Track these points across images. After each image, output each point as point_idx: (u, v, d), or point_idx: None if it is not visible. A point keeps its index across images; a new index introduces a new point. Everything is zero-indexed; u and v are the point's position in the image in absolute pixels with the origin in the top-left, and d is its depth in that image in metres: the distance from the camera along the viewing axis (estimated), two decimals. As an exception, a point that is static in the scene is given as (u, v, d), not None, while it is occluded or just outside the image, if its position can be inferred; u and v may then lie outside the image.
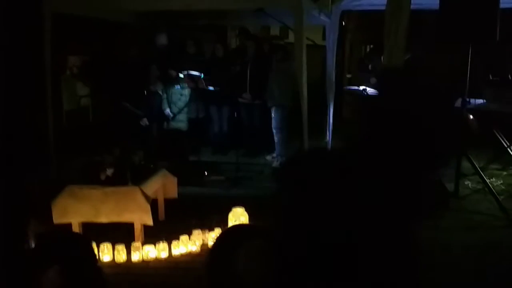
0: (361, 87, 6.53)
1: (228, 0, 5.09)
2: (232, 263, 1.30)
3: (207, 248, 3.88)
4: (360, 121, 1.40)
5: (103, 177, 4.17)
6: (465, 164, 5.10)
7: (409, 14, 4.12)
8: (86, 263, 1.84)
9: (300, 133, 5.05)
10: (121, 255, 3.71)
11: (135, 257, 3.74)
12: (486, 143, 5.83)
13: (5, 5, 1.62)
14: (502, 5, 4.13)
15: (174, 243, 3.86)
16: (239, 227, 1.71)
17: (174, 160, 5.81)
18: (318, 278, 1.16)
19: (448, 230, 4.13)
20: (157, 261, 3.77)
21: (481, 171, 5.05)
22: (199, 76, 5.99)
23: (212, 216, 4.26)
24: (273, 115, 6.24)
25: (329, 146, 6.19)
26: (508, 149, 5.63)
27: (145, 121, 6.27)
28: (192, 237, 3.92)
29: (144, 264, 3.74)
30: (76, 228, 3.85)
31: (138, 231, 3.90)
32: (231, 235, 1.49)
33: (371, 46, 9.80)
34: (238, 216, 4.07)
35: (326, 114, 6.16)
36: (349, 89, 7.70)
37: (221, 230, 4.01)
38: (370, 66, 6.78)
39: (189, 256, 3.85)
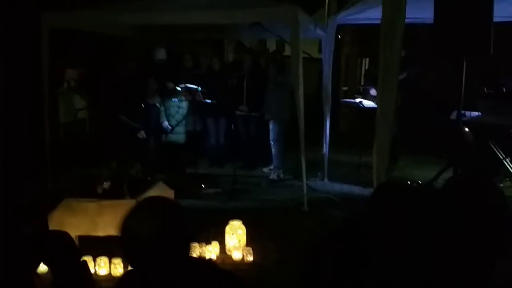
0: (357, 100, 6.58)
1: (225, 14, 5.13)
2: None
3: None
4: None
5: (100, 190, 4.17)
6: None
7: (403, 28, 4.18)
8: (69, 258, 1.83)
9: (297, 145, 5.07)
10: (117, 268, 3.69)
11: (132, 270, 3.71)
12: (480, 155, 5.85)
13: (3, 18, 1.64)
14: (495, 19, 4.20)
15: (171, 256, 3.83)
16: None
17: (171, 173, 5.81)
18: None
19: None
20: (154, 274, 3.75)
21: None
22: (197, 89, 6.02)
23: (209, 229, 4.24)
24: (271, 127, 6.26)
25: (326, 158, 6.21)
26: (504, 161, 5.66)
27: (142, 134, 6.27)
28: (189, 250, 3.90)
29: (141, 277, 3.71)
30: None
31: (135, 244, 3.87)
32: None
33: (367, 59, 9.90)
34: (235, 229, 4.06)
35: (322, 126, 6.18)
36: (346, 101, 7.76)
37: (218, 243, 4.00)
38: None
39: (186, 269, 3.83)
